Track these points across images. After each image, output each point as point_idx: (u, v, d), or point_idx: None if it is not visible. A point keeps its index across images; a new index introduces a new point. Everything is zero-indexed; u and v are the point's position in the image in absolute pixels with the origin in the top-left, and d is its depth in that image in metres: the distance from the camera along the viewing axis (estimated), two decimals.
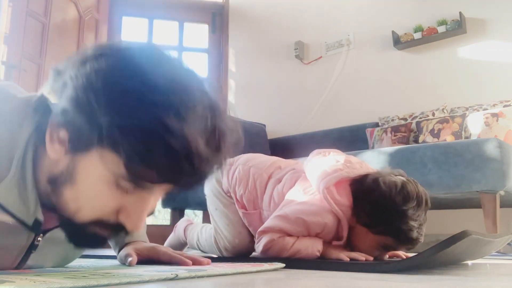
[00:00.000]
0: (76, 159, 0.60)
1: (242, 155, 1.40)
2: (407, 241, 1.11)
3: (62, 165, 0.61)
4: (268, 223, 1.17)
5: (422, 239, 1.12)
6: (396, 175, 1.14)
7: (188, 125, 0.56)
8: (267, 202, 1.28)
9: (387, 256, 1.21)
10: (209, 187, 1.42)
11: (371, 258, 1.09)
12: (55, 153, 0.61)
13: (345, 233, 1.14)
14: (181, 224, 1.63)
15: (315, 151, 1.30)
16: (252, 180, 1.32)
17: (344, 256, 1.06)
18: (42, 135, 0.63)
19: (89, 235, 0.63)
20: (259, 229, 1.17)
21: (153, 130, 0.54)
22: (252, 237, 1.32)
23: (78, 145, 0.59)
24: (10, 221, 0.64)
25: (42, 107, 0.64)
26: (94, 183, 0.60)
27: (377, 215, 1.11)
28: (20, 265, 0.72)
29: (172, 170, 0.57)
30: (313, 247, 1.11)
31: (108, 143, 0.56)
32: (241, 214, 1.33)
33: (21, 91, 0.70)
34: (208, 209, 1.41)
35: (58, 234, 0.68)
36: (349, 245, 1.17)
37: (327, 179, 1.13)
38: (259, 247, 1.15)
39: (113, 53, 0.59)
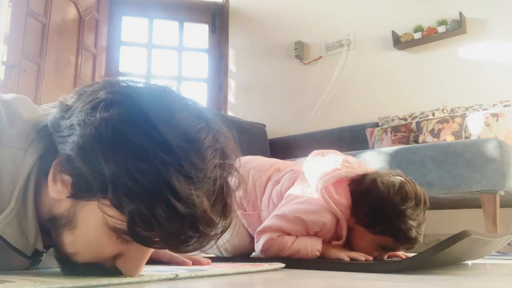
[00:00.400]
0: (78, 205, 0.58)
1: (241, 157, 1.40)
2: (406, 241, 1.11)
3: (63, 207, 0.59)
4: (266, 222, 1.17)
5: (421, 239, 1.12)
6: (394, 175, 1.15)
7: (196, 188, 0.54)
8: (266, 203, 1.28)
9: (386, 256, 1.21)
10: None
11: (371, 258, 1.09)
12: (57, 194, 0.59)
13: (344, 233, 1.15)
14: None
15: (314, 152, 1.31)
16: (252, 181, 1.32)
17: (344, 256, 1.06)
18: (45, 166, 0.61)
19: (82, 271, 0.60)
20: (258, 229, 1.17)
21: (159, 193, 0.52)
22: (252, 237, 1.32)
23: (80, 193, 0.57)
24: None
25: (47, 138, 0.61)
26: (94, 231, 0.57)
27: (376, 215, 1.11)
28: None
29: (176, 236, 0.55)
30: (313, 246, 1.11)
31: (112, 199, 0.54)
32: (240, 215, 1.33)
33: (29, 107, 0.67)
34: None
35: None
36: (348, 245, 1.17)
37: (325, 179, 1.14)
38: (258, 246, 1.15)
39: (126, 101, 0.57)
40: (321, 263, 1.03)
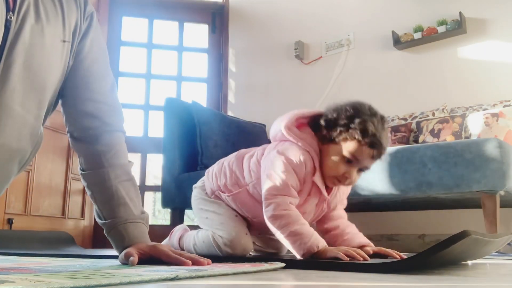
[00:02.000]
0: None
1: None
2: (366, 136, 1.16)
3: None
4: (266, 186, 1.20)
5: (385, 145, 1.19)
6: None
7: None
8: (248, 176, 1.34)
9: (356, 174, 1.23)
10: (194, 203, 1.48)
11: (367, 258, 1.09)
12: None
13: (316, 163, 1.22)
14: (177, 231, 1.62)
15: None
16: (228, 167, 1.40)
17: (343, 254, 1.06)
18: None
19: None
20: (264, 194, 1.20)
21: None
22: (247, 229, 1.35)
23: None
24: None
25: None
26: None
27: (333, 121, 1.21)
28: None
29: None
30: (317, 240, 1.12)
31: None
32: (230, 200, 1.36)
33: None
34: (200, 225, 1.44)
35: (32, 28, 0.85)
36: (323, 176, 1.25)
37: (285, 120, 1.26)
38: (268, 212, 1.18)
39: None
40: (321, 263, 1.03)
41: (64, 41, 0.94)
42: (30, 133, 0.92)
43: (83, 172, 1.02)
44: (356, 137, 1.16)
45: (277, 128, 1.31)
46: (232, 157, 1.44)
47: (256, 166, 1.32)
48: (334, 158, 1.20)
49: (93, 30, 1.02)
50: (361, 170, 1.24)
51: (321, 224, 1.40)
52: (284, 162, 1.20)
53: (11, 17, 0.84)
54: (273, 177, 1.20)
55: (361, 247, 1.26)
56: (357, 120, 1.17)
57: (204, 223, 1.41)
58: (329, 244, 1.21)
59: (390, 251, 1.24)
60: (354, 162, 1.19)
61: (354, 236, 1.33)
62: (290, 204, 1.18)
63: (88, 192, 1.03)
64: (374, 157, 1.20)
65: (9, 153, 0.89)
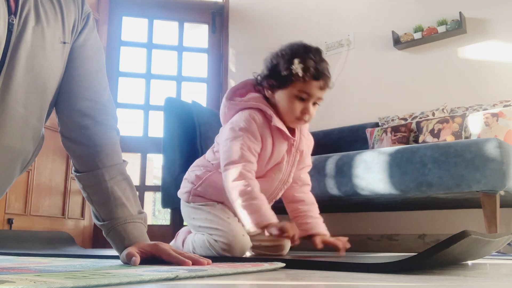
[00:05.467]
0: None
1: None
2: (308, 71, 1.23)
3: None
4: (224, 155, 1.26)
5: (328, 74, 1.27)
6: None
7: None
8: (213, 158, 1.41)
9: (313, 108, 1.30)
10: (185, 216, 1.49)
11: (347, 244, 1.16)
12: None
13: (269, 112, 1.28)
14: (181, 234, 1.62)
15: None
16: (197, 163, 1.47)
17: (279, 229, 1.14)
18: None
19: None
20: (221, 166, 1.26)
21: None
22: (243, 229, 1.35)
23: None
24: None
25: None
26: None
27: (274, 68, 1.28)
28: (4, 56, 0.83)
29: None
30: (263, 219, 1.17)
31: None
32: (205, 188, 1.39)
33: None
34: (197, 232, 1.44)
35: (33, 30, 0.87)
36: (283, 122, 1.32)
37: (224, 96, 1.37)
38: (227, 179, 1.23)
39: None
40: (321, 263, 1.03)
41: (64, 43, 0.95)
42: (33, 134, 0.93)
43: (77, 174, 1.02)
44: (301, 74, 1.23)
45: (221, 108, 1.39)
46: (200, 158, 1.52)
47: (217, 147, 1.39)
48: (288, 100, 1.27)
49: (88, 29, 1.03)
50: (315, 103, 1.32)
51: (289, 189, 1.45)
52: (231, 129, 1.27)
53: (13, 20, 0.85)
54: (225, 147, 1.27)
55: (315, 235, 1.35)
56: (296, 60, 1.24)
57: (200, 232, 1.40)
58: (290, 216, 1.35)
59: (337, 242, 1.31)
60: (307, 97, 1.27)
61: (315, 225, 1.38)
62: (243, 172, 1.22)
63: (84, 194, 1.02)
64: (323, 88, 1.28)
65: (13, 154, 0.90)
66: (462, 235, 0.77)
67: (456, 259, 1.02)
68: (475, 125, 2.33)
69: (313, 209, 1.43)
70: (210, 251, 1.32)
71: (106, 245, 3.02)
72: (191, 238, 1.47)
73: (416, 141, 2.52)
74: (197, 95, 3.93)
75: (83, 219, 3.20)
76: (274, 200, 1.44)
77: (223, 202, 1.39)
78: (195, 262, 0.87)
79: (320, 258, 1.13)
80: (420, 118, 2.63)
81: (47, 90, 0.93)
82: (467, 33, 2.80)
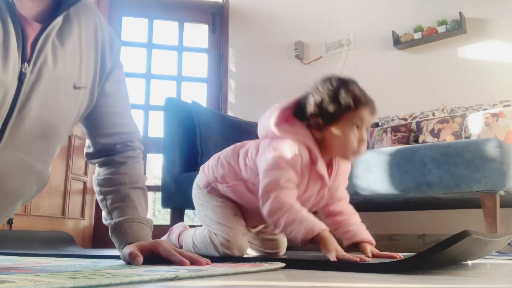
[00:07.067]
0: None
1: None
2: (358, 99, 1.20)
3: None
4: (261, 185, 1.21)
5: (371, 97, 1.25)
6: None
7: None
8: (245, 172, 1.34)
9: (365, 134, 1.25)
10: (194, 198, 1.48)
11: (367, 259, 1.07)
12: None
13: (315, 152, 1.23)
14: (176, 229, 1.63)
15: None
16: (225, 161, 1.40)
17: (333, 256, 1.04)
18: None
19: None
20: (261, 192, 1.21)
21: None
22: (244, 229, 1.35)
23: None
24: None
25: None
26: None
27: (320, 105, 1.23)
28: (14, 102, 0.80)
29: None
30: (311, 224, 1.11)
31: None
32: (228, 191, 1.36)
33: None
34: (200, 220, 1.45)
35: (44, 79, 0.83)
36: (335, 161, 1.29)
37: (273, 117, 1.28)
38: (265, 209, 1.18)
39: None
40: (321, 263, 1.03)
41: (79, 88, 0.92)
42: (36, 178, 0.94)
43: (99, 177, 1.06)
44: (352, 105, 1.20)
45: (266, 126, 1.32)
46: (228, 151, 1.44)
47: (252, 164, 1.33)
48: (343, 134, 1.22)
49: (119, 67, 1.03)
50: (366, 129, 1.29)
51: (325, 206, 1.38)
52: (278, 159, 1.21)
53: (26, 69, 0.81)
54: (268, 175, 1.22)
55: (362, 242, 1.27)
56: (342, 92, 1.21)
57: (203, 220, 1.41)
58: (330, 229, 1.22)
59: (389, 254, 1.25)
60: (360, 125, 1.23)
61: (357, 231, 1.31)
62: (285, 197, 1.18)
63: (99, 198, 1.06)
64: (373, 112, 1.25)
65: (15, 197, 0.92)
66: (463, 235, 0.77)
67: (456, 259, 1.02)
68: (475, 125, 2.32)
69: (353, 217, 1.35)
70: (210, 247, 1.33)
71: (106, 245, 3.02)
72: (191, 233, 1.47)
73: (416, 141, 2.52)
74: (197, 95, 3.93)
75: (83, 219, 3.20)
76: None
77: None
78: (194, 262, 0.87)
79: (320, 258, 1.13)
80: (420, 118, 2.63)
81: (56, 138, 0.93)
82: (467, 33, 2.80)
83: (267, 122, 1.31)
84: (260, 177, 1.26)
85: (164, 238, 1.65)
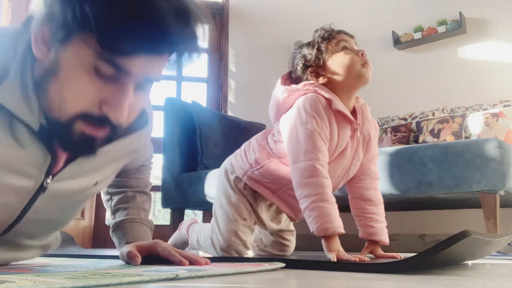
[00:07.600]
0: (59, 52, 0.64)
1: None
2: (331, 30, 1.31)
3: (47, 62, 0.65)
4: (289, 151, 1.21)
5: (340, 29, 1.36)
6: None
7: None
8: (275, 149, 1.35)
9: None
10: (218, 184, 1.44)
11: (366, 259, 1.07)
12: (41, 53, 0.65)
13: (328, 94, 1.25)
14: (186, 222, 1.66)
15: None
16: (257, 144, 1.41)
17: (334, 256, 1.06)
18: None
19: (77, 134, 0.65)
20: (291, 159, 1.20)
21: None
22: (252, 232, 1.35)
23: (58, 34, 0.62)
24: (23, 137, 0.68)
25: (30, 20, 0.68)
26: (75, 72, 0.63)
27: (314, 45, 1.31)
28: (27, 207, 0.76)
29: (140, 35, 0.60)
30: (330, 224, 1.10)
31: (82, 24, 0.60)
32: (265, 174, 1.33)
33: None
34: (213, 207, 1.43)
35: (66, 183, 0.76)
36: (355, 105, 1.38)
37: (281, 88, 1.33)
38: (294, 178, 1.17)
39: None
40: (321, 263, 1.03)
41: (100, 182, 0.88)
42: (38, 251, 0.98)
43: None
44: (327, 35, 1.31)
45: (278, 96, 1.36)
46: (259, 134, 1.47)
47: (280, 137, 1.33)
48: (340, 59, 1.31)
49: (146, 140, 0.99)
50: (361, 52, 1.40)
51: (359, 181, 1.36)
52: (299, 113, 1.22)
53: (47, 183, 0.74)
54: (293, 136, 1.20)
55: (377, 242, 1.29)
56: (316, 33, 1.33)
57: (217, 210, 1.39)
58: (353, 212, 1.29)
59: (390, 255, 1.26)
60: (349, 46, 1.35)
61: (379, 231, 1.30)
62: (317, 167, 1.14)
63: (105, 198, 1.08)
64: (348, 34, 1.37)
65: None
66: (463, 235, 0.77)
67: (456, 259, 1.02)
68: (475, 125, 2.32)
69: (380, 211, 1.33)
70: (211, 248, 1.34)
71: (106, 245, 3.02)
72: (197, 229, 1.48)
73: (416, 141, 2.52)
74: (197, 95, 3.93)
75: (83, 219, 3.19)
76: (335, 190, 1.32)
77: (277, 191, 1.34)
78: (193, 262, 0.87)
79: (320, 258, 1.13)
80: (420, 118, 2.63)
81: (63, 225, 0.97)
82: (467, 33, 2.80)
83: (276, 98, 1.37)
84: (286, 140, 1.25)
85: (175, 234, 1.68)
